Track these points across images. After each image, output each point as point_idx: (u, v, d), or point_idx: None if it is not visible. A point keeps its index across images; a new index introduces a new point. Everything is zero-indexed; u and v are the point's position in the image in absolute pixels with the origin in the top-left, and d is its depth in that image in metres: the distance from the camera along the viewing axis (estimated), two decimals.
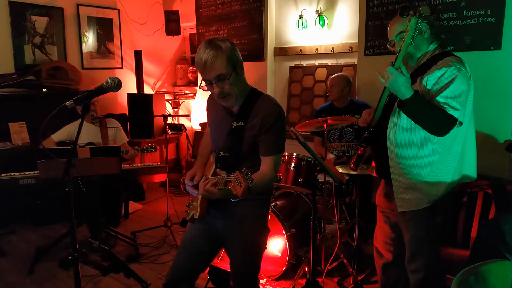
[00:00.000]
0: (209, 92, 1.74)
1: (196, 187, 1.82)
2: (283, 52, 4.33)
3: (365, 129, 2.04)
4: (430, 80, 1.79)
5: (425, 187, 1.87)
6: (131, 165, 3.54)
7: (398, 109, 1.85)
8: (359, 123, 2.07)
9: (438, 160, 1.84)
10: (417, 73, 1.88)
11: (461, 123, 1.75)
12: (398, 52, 1.78)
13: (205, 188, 1.59)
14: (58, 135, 3.62)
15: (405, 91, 1.70)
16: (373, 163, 2.13)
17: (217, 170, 1.64)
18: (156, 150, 3.53)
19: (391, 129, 1.90)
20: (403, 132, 1.86)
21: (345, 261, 2.79)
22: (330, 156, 3.28)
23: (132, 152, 3.49)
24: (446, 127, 1.73)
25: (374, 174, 2.11)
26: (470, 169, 1.92)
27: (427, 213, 1.90)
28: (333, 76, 3.40)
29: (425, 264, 1.95)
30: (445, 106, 1.72)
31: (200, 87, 1.71)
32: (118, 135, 3.78)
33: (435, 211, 1.90)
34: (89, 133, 3.58)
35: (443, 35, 2.98)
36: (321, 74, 4.09)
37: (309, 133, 3.52)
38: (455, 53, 1.90)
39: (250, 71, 4.37)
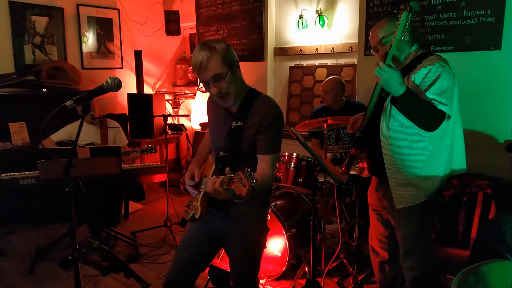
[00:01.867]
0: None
1: (196, 186, 1.82)
2: (283, 52, 4.32)
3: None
4: (418, 77, 1.86)
5: (421, 181, 1.92)
6: (131, 165, 3.54)
7: (388, 108, 1.91)
8: (347, 129, 2.10)
9: (430, 154, 1.90)
10: (403, 74, 1.92)
11: (449, 117, 1.82)
12: (389, 48, 1.84)
13: (213, 187, 1.55)
14: (58, 135, 3.62)
15: (399, 87, 1.77)
16: (361, 164, 2.14)
17: (227, 169, 1.59)
18: (156, 151, 3.53)
19: (384, 128, 1.94)
20: (396, 130, 1.91)
21: (345, 261, 2.79)
22: (329, 155, 3.27)
23: (134, 155, 3.49)
24: (436, 122, 1.81)
25: (364, 175, 2.13)
26: (460, 162, 1.99)
27: (420, 209, 1.94)
28: (325, 81, 3.32)
29: (420, 262, 1.98)
30: (434, 102, 1.79)
31: (198, 89, 1.71)
32: (118, 137, 3.78)
33: (428, 207, 1.95)
34: (88, 134, 3.58)
35: (444, 35, 2.98)
36: (321, 74, 4.08)
37: (307, 133, 3.50)
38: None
39: (250, 71, 4.37)
